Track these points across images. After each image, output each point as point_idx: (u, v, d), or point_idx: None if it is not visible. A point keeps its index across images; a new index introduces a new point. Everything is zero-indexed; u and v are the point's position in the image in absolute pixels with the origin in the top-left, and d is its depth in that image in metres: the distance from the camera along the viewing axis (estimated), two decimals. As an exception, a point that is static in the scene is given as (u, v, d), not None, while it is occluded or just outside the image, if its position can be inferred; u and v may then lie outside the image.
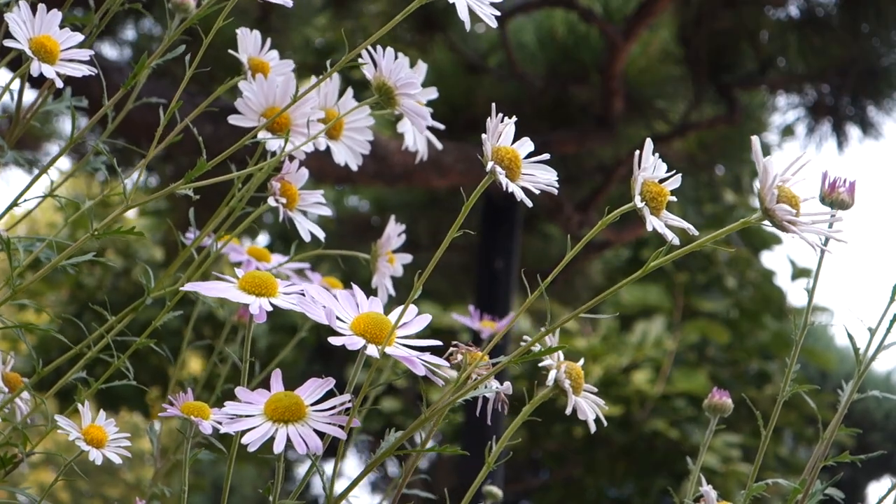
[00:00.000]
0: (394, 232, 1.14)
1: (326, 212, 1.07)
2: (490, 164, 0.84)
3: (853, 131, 3.99)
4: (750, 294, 5.62)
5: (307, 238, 1.05)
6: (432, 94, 1.07)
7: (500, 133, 0.85)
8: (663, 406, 5.27)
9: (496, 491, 1.19)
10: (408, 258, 1.16)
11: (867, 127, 3.96)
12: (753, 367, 5.56)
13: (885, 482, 6.43)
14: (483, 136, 0.84)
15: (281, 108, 1.03)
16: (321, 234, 1.05)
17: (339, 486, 0.91)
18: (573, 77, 3.88)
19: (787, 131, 4.21)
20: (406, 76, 0.96)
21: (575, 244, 0.86)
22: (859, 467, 1.00)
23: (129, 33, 3.65)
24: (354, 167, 1.09)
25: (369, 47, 0.95)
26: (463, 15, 0.91)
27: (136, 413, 5.57)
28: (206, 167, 0.95)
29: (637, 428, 5.24)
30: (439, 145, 1.15)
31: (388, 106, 0.98)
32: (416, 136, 1.13)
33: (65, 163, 4.35)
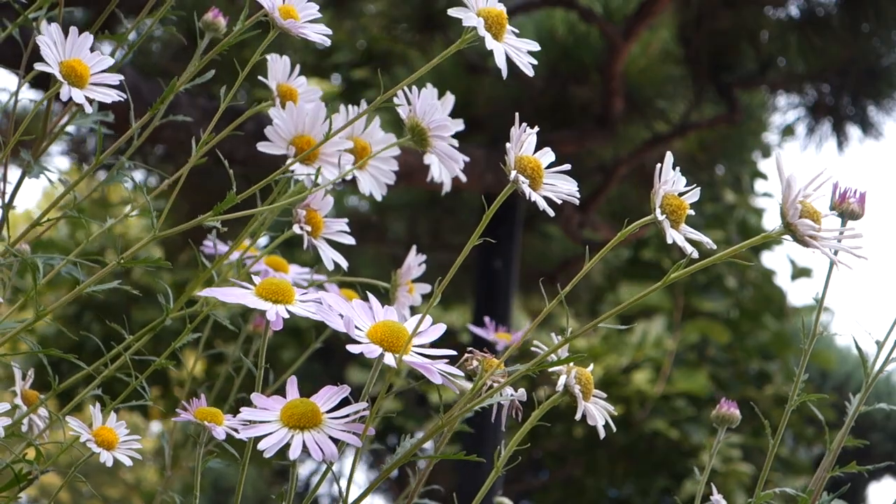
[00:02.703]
0: (414, 262, 1.14)
1: (350, 241, 1.06)
2: (513, 174, 0.85)
3: (853, 131, 3.99)
4: (750, 294, 5.62)
5: (330, 267, 1.05)
6: (460, 125, 1.07)
7: (523, 143, 0.86)
8: (663, 406, 5.27)
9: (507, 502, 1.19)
10: (427, 288, 1.16)
11: (867, 127, 3.96)
12: (754, 367, 5.56)
13: (886, 483, 6.43)
14: (507, 145, 0.85)
15: (311, 138, 1.03)
16: (344, 263, 1.05)
17: (339, 488, 0.91)
18: (573, 77, 3.88)
19: (788, 131, 4.21)
20: (440, 119, 0.97)
21: (586, 250, 0.86)
22: (863, 472, 1.00)
23: (130, 34, 3.64)
24: (379, 197, 1.09)
25: (405, 88, 0.95)
26: (500, 63, 0.92)
27: (136, 413, 5.58)
28: (235, 200, 0.94)
29: (637, 428, 5.24)
30: (464, 178, 1.15)
31: (421, 146, 0.98)
32: (443, 171, 1.13)
33: (63, 162, 4.35)
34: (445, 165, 1.02)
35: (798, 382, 0.99)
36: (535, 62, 0.95)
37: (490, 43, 0.92)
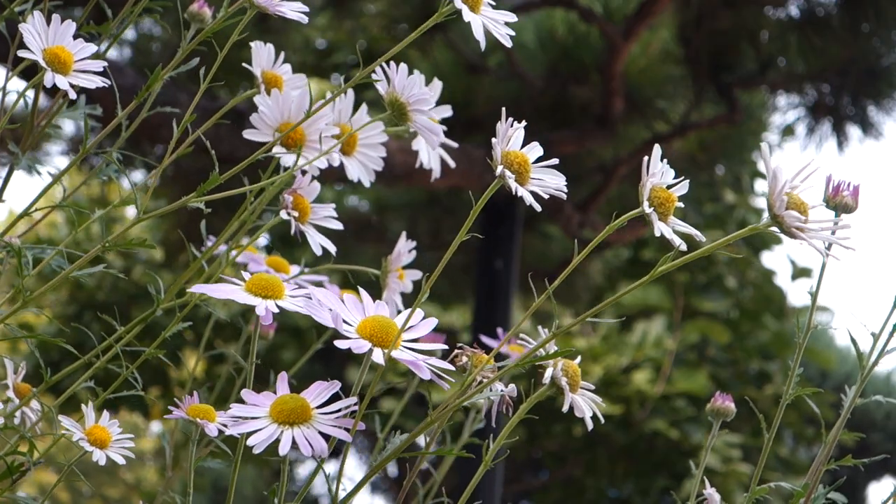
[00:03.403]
0: (404, 248, 1.14)
1: (338, 226, 1.06)
2: (500, 169, 0.84)
3: (853, 131, 3.99)
4: (750, 294, 5.62)
5: (318, 252, 1.05)
6: (447, 111, 1.06)
7: (510, 138, 0.85)
8: (663, 406, 5.27)
9: None
10: (417, 274, 1.16)
11: (867, 127, 3.96)
12: (753, 367, 5.56)
13: (886, 482, 6.42)
14: (493, 140, 0.84)
15: (295, 124, 1.03)
16: (332, 248, 1.05)
17: (329, 486, 0.91)
18: (573, 77, 3.88)
19: (788, 131, 4.21)
20: (419, 92, 0.96)
21: (575, 244, 0.85)
22: (861, 469, 1.00)
23: (129, 33, 3.65)
24: (367, 183, 1.09)
25: (383, 63, 0.95)
26: (478, 35, 0.91)
27: (136, 413, 5.58)
28: (219, 181, 0.95)
29: (637, 428, 5.24)
30: (452, 164, 1.14)
31: (401, 121, 0.98)
32: (430, 153, 1.13)
33: (63, 162, 4.35)
34: (427, 140, 1.01)
35: (793, 376, 0.99)
36: (512, 32, 0.94)
37: (467, 15, 0.92)
